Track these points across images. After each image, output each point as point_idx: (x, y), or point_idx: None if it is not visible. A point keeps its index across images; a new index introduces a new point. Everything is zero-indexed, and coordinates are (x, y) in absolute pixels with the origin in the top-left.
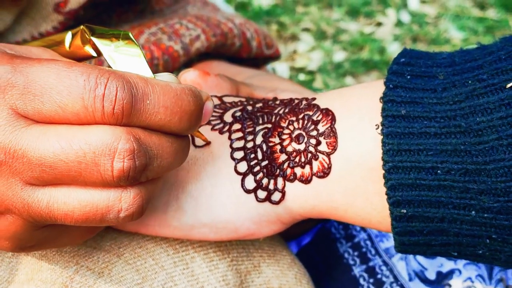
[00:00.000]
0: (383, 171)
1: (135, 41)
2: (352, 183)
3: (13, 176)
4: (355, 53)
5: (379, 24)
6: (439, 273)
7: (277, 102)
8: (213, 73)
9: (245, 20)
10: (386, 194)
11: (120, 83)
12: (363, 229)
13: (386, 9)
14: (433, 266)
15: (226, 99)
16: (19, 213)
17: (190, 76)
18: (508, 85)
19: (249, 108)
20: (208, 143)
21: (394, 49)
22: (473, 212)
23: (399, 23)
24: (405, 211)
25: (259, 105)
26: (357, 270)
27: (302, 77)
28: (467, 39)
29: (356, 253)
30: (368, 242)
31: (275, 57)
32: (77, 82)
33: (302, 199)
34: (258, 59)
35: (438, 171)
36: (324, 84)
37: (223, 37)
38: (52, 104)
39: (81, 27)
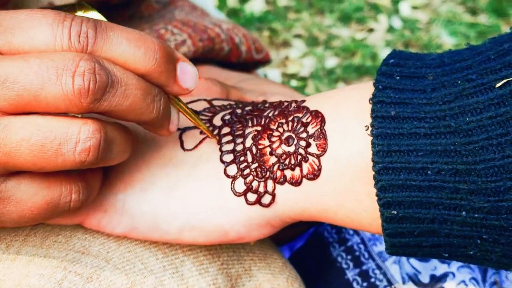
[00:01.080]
0: (373, 172)
1: (90, 6)
2: (342, 185)
3: None
4: (347, 59)
5: (371, 30)
6: (432, 276)
7: (267, 105)
8: (203, 77)
9: (233, 25)
10: (376, 195)
11: (85, 19)
12: (356, 232)
13: (378, 15)
14: (426, 269)
15: (215, 103)
16: None
17: None
18: (498, 85)
19: (239, 111)
20: (215, 140)
21: (386, 55)
22: (463, 213)
23: (390, 29)
24: (395, 212)
25: (248, 108)
26: (350, 274)
27: (294, 83)
28: (459, 44)
29: (349, 257)
30: (361, 246)
31: (266, 61)
32: (47, 16)
33: (292, 201)
34: (248, 64)
35: (428, 172)
36: (316, 90)
37: (210, 42)
38: (22, 35)
39: None
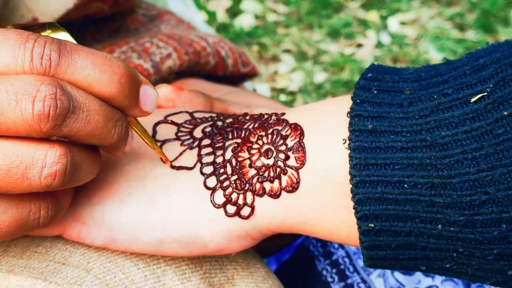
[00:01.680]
0: (351, 186)
1: (60, 27)
2: (321, 198)
3: None
4: (335, 73)
5: (359, 45)
6: None
7: (247, 117)
8: (187, 89)
9: (220, 38)
10: (354, 208)
11: (50, 40)
12: (341, 246)
13: (367, 30)
14: (410, 283)
15: (197, 115)
16: None
17: (163, 91)
18: (473, 100)
19: (219, 123)
20: (168, 163)
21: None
22: (439, 226)
23: (379, 44)
24: (372, 225)
25: (229, 120)
26: None
27: (283, 97)
28: None
29: (334, 270)
30: (346, 259)
31: (252, 74)
32: (8, 37)
33: (271, 213)
34: (235, 78)
35: (405, 185)
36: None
37: (196, 55)
38: None
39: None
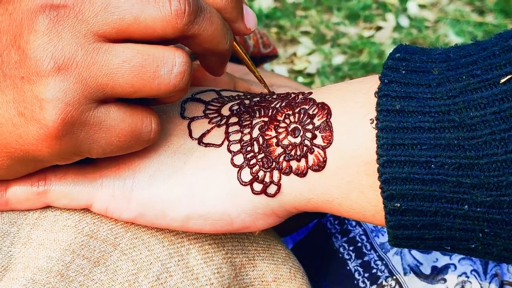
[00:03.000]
0: (377, 165)
1: None
2: (347, 177)
3: (80, 23)
4: (354, 56)
5: (378, 28)
6: (434, 268)
7: (274, 96)
8: None
9: None
10: (380, 187)
11: None
12: (359, 224)
13: (386, 13)
14: (428, 260)
15: (224, 93)
16: (79, 70)
17: None
18: (502, 80)
19: (247, 102)
20: (268, 90)
21: None
22: (466, 206)
23: (398, 27)
24: (398, 204)
25: (256, 99)
26: (352, 265)
27: (301, 79)
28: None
29: (351, 248)
30: (364, 237)
31: (273, 56)
32: None
33: (297, 192)
34: (256, 58)
35: (432, 166)
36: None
37: None
38: None
39: None
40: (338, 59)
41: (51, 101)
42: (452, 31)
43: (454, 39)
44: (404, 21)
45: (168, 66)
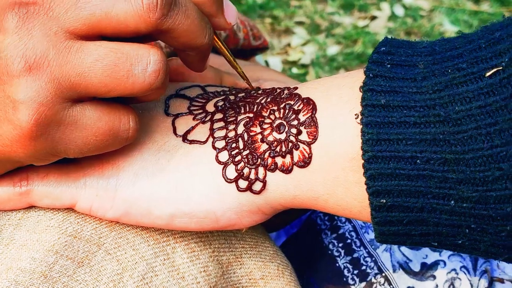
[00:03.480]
0: (363, 161)
1: None
2: (333, 173)
3: (50, 21)
4: (348, 46)
5: (373, 18)
6: (423, 264)
7: (260, 92)
8: None
9: None
10: (366, 184)
11: None
12: (348, 220)
13: (380, 2)
14: (417, 257)
15: (209, 89)
16: (51, 69)
17: (174, 63)
18: (487, 74)
19: (232, 97)
20: (251, 86)
21: None
22: (452, 202)
23: (393, 17)
24: (384, 201)
25: (241, 94)
26: (341, 262)
27: (295, 70)
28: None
29: (340, 245)
30: (353, 234)
31: (264, 48)
32: None
33: (283, 188)
34: (246, 51)
35: (417, 161)
36: (317, 78)
37: None
38: None
39: None
40: (332, 49)
41: (24, 102)
42: (447, 20)
43: (450, 28)
44: (399, 10)
45: (142, 65)
